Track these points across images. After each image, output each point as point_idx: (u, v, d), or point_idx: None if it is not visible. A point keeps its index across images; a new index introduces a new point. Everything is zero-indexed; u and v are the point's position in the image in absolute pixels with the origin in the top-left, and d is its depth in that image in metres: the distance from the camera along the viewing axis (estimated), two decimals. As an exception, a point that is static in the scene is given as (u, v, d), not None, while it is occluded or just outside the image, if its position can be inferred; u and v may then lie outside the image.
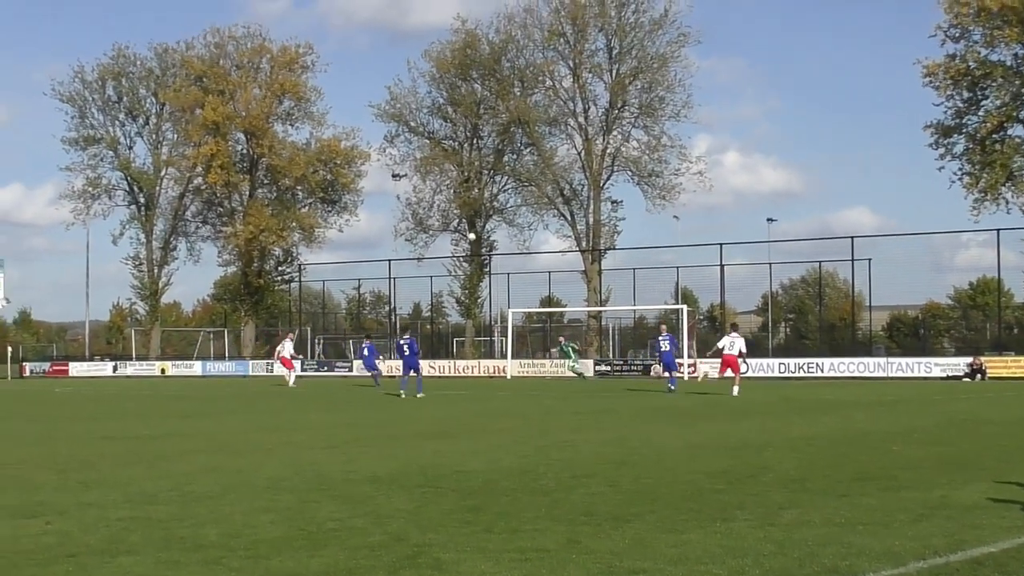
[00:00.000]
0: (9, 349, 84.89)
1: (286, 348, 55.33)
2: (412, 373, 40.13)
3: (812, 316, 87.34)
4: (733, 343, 38.28)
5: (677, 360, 47.77)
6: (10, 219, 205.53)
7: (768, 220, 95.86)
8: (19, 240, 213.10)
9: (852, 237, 65.12)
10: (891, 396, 36.80)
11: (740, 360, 38.34)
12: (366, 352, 54.91)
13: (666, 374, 43.96)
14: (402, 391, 39.21)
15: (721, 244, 68.51)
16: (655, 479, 13.54)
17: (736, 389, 37.15)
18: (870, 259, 64.03)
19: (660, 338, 44.80)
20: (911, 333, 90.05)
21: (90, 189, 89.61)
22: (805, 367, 59.34)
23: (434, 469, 14.88)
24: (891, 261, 64.71)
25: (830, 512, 10.88)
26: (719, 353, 39.32)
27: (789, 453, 16.63)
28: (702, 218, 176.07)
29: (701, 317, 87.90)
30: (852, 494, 12.14)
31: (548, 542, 9.40)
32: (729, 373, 38.38)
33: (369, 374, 53.54)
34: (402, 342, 41.23)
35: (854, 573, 8.17)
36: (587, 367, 64.10)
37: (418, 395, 38.31)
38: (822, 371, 58.35)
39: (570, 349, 64.32)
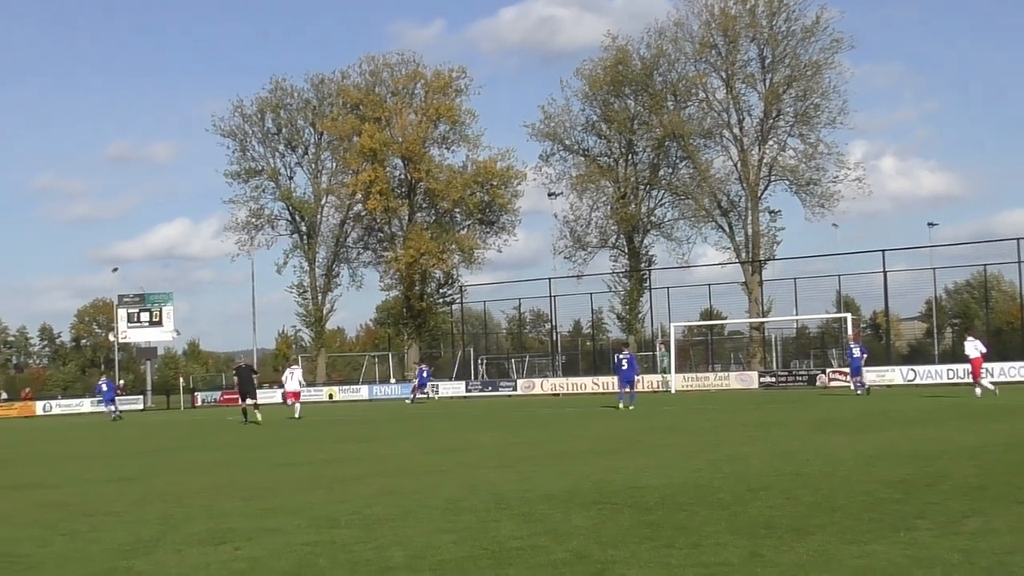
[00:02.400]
0: (181, 380, 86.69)
1: (294, 377, 51.03)
2: (627, 388, 42.76)
3: (978, 320, 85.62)
4: (977, 347, 41.15)
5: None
6: (177, 253, 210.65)
7: (929, 224, 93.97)
8: (186, 273, 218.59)
9: (1018, 239, 63.79)
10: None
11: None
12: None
13: (855, 379, 49.01)
14: (620, 403, 42.08)
15: (883, 250, 67.56)
16: (831, 490, 13.42)
17: (979, 391, 40.19)
18: (1037, 261, 62.64)
19: (851, 346, 49.91)
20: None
21: (253, 220, 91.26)
22: (974, 372, 58.14)
23: (608, 485, 14.91)
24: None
25: (1015, 519, 10.70)
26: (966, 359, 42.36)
27: (966, 460, 16.36)
28: (861, 225, 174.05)
29: (865, 325, 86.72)
30: (1036, 501, 11.94)
31: (730, 556, 9.38)
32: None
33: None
34: (621, 357, 43.98)
35: (1046, 581, 8.07)
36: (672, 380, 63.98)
37: (630, 407, 41.04)
38: (991, 376, 57.01)
39: (665, 358, 64.59)
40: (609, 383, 67.61)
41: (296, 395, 50.37)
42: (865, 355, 51.02)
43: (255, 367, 55.03)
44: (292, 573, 9.57)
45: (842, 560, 9.03)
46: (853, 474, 15.12)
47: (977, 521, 10.70)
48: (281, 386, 54.43)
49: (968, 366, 43.61)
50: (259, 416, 44.64)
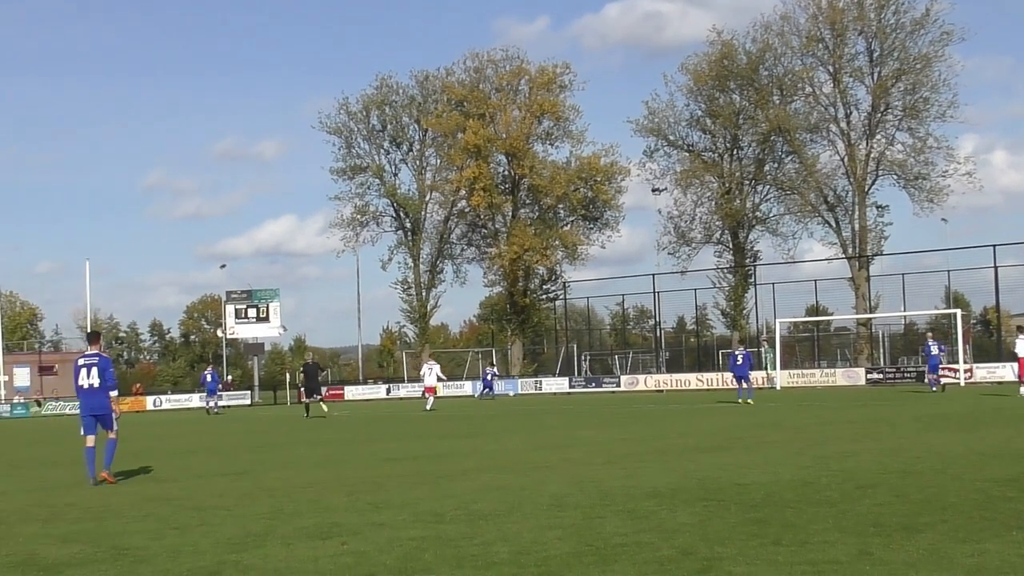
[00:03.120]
0: (287, 376, 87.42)
1: (433, 373, 52.20)
2: (745, 384, 45.46)
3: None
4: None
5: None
6: (284, 250, 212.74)
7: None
8: (292, 270, 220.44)
9: None
10: None
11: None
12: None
13: (931, 376, 50.18)
14: (739, 399, 44.34)
15: (994, 245, 66.58)
16: (941, 488, 13.23)
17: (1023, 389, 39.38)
18: None
19: (929, 343, 51.11)
20: None
21: (358, 217, 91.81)
22: (1089, 369, 57.08)
23: (713, 482, 14.83)
24: None
25: None
26: (1015, 357, 42.55)
27: (1081, 458, 16.09)
28: (971, 219, 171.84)
29: (975, 321, 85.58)
30: None
31: (839, 554, 9.29)
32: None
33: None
34: (737, 353, 47.46)
35: None
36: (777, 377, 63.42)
37: (748, 401, 43.55)
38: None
39: (769, 356, 64.13)
40: (713, 379, 67.31)
41: (432, 390, 51.85)
42: (943, 352, 52.43)
43: (322, 366, 58.38)
44: (398, 568, 9.61)
45: (954, 559, 8.91)
46: (964, 472, 14.91)
47: (1093, 519, 10.52)
48: (419, 380, 57.21)
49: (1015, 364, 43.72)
50: (324, 408, 48.27)
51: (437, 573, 9.27)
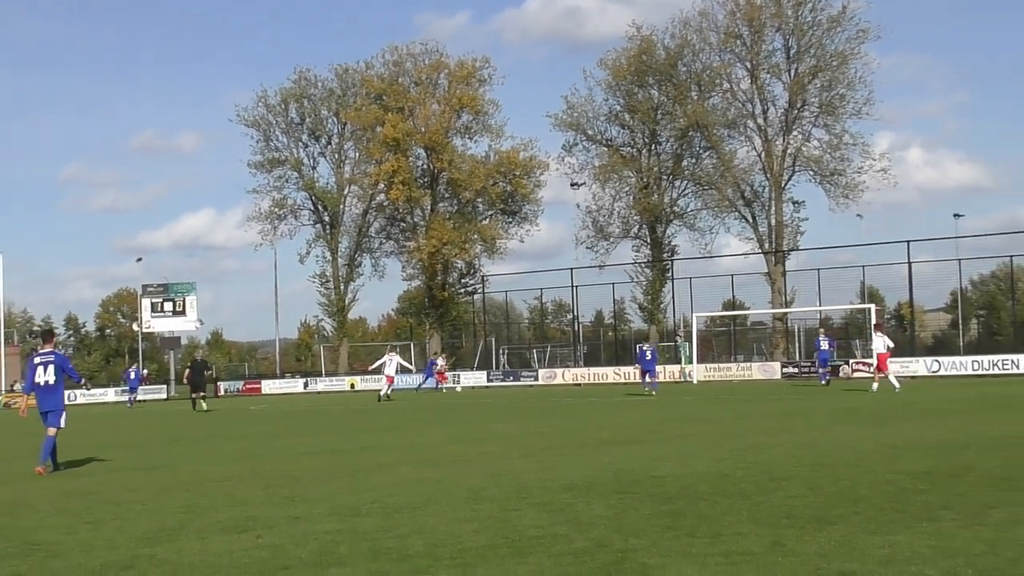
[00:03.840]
0: (174, 372, 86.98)
1: (393, 363, 56.48)
2: (649, 377, 48.44)
3: (1004, 312, 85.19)
4: (884, 341, 42.47)
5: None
6: (202, 243, 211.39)
7: (955, 216, 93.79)
8: (211, 263, 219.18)
9: (1045, 230, 63.43)
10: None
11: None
12: None
13: (821, 370, 52.32)
14: (646, 389, 47.70)
15: (908, 241, 67.27)
16: (854, 480, 13.38)
17: (876, 385, 41.06)
18: (1063, 251, 62.33)
19: (820, 338, 53.47)
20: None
21: (276, 210, 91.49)
22: (1000, 364, 57.95)
23: (628, 475, 14.90)
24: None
25: (1041, 510, 10.67)
26: (872, 354, 43.80)
27: (992, 452, 16.27)
28: (886, 216, 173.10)
29: (889, 316, 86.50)
30: (1062, 492, 11.88)
31: (752, 545, 9.37)
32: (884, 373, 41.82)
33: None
34: (645, 348, 50.50)
35: (1072, 572, 8.02)
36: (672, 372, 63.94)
37: (652, 392, 46.37)
38: (1017, 368, 56.89)
39: (685, 350, 64.65)
40: (631, 373, 67.55)
41: (391, 379, 55.76)
42: (833, 348, 54.37)
43: (209, 364, 63.38)
44: (312, 561, 9.60)
45: (865, 550, 9.02)
46: (877, 465, 15.07)
47: (1002, 512, 10.66)
48: (373, 372, 60.59)
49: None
50: (205, 406, 50.43)
51: (351, 566, 9.26)
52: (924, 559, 8.56)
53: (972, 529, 9.79)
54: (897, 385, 40.61)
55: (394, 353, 58.08)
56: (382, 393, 54.23)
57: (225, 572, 9.33)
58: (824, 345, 52.67)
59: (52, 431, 19.68)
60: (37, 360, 20.05)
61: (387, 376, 56.09)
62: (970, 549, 8.89)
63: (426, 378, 68.69)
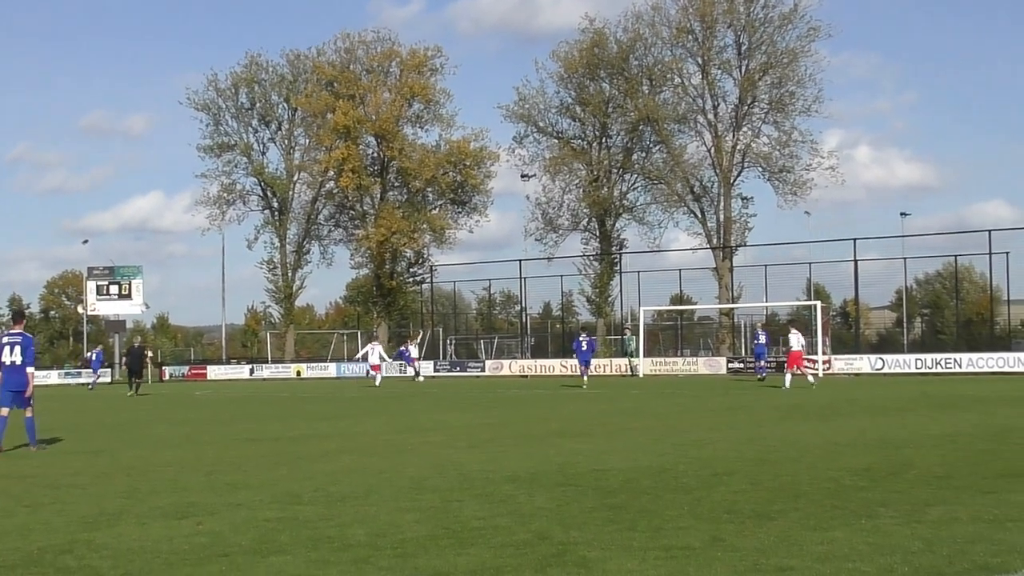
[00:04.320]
0: (148, 353, 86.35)
1: (375, 352, 57.85)
2: (586, 367, 50.37)
3: (948, 311, 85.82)
4: (799, 339, 43.33)
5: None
6: (150, 226, 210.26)
7: (902, 215, 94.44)
8: (159, 247, 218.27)
9: (989, 231, 63.83)
10: (1033, 391, 36.09)
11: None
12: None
13: (761, 363, 53.79)
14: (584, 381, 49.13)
15: (855, 239, 67.50)
16: (796, 476, 13.47)
17: (789, 381, 41.68)
18: (1008, 253, 62.74)
19: (758, 332, 55.41)
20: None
21: (225, 195, 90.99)
22: (943, 363, 58.34)
23: (573, 467, 14.95)
24: (1030, 254, 63.18)
25: (978, 509, 10.75)
26: (788, 351, 43.95)
27: (932, 449, 16.43)
28: (834, 213, 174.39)
29: (835, 313, 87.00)
30: (1000, 491, 11.98)
31: (692, 540, 9.42)
32: (795, 368, 42.81)
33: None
34: (581, 339, 51.58)
35: (1006, 571, 8.08)
36: (642, 365, 64.21)
37: (583, 386, 47.13)
38: (960, 367, 57.31)
39: (632, 344, 64.88)
40: (577, 366, 67.59)
41: (377, 367, 57.02)
42: (769, 343, 56.71)
43: (147, 351, 62.41)
44: (252, 548, 9.58)
45: (803, 546, 9.08)
46: (819, 461, 15.17)
47: (940, 510, 10.77)
48: (359, 360, 61.42)
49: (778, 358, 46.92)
50: (139, 391, 52.47)
51: (292, 554, 9.25)
52: (861, 556, 8.63)
53: (910, 526, 9.88)
54: (787, 385, 41.33)
55: (376, 342, 59.67)
56: (378, 382, 55.63)
57: (164, 558, 9.29)
58: (762, 339, 54.69)
59: (28, 412, 20.30)
60: (6, 340, 20.52)
61: (372, 365, 57.49)
62: (907, 546, 8.96)
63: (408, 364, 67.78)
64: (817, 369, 53.55)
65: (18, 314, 22.95)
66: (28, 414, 20.39)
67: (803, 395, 35.80)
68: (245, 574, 8.59)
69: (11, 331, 21.08)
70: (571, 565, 8.52)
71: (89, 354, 72.82)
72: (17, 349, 20.32)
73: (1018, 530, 9.64)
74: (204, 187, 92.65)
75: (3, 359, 20.28)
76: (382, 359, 58.01)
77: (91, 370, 70.01)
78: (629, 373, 63.38)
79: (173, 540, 10.10)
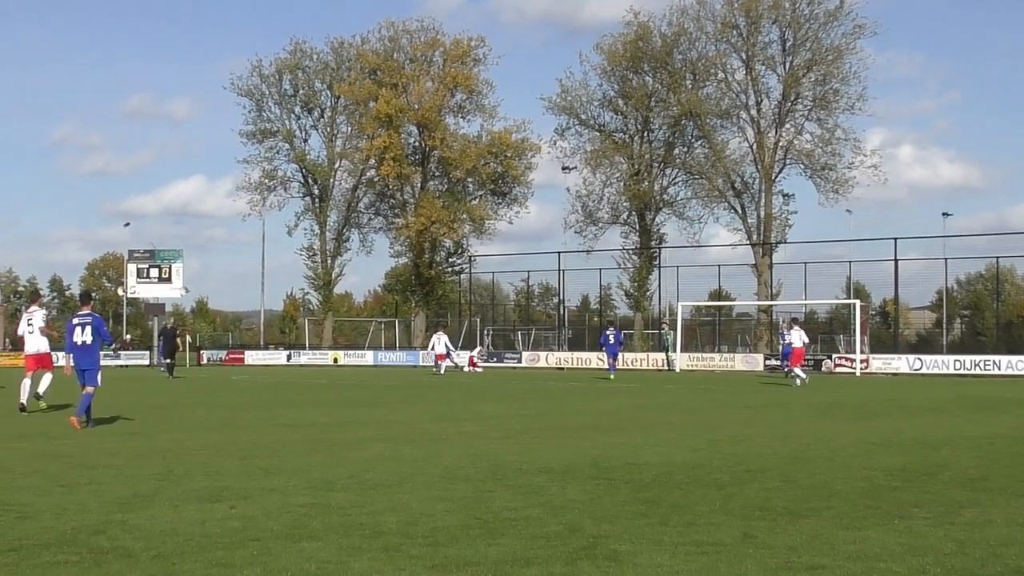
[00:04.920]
0: (187, 337, 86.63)
1: (441, 342, 58.80)
2: (612, 361, 51.72)
3: (989, 313, 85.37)
4: (802, 336, 44.16)
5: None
6: (191, 211, 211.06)
7: (944, 214, 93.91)
8: (199, 231, 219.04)
9: (1031, 232, 63.55)
10: (1072, 395, 35.85)
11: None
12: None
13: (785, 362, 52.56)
14: (611, 375, 49.90)
15: (895, 238, 67.27)
16: (829, 475, 13.43)
17: (799, 380, 41.96)
18: (1050, 255, 62.45)
19: (785, 332, 52.32)
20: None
21: (266, 181, 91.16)
22: (981, 364, 58.06)
23: (606, 461, 14.94)
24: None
25: (1013, 512, 10.70)
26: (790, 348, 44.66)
27: (968, 451, 16.36)
28: (876, 212, 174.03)
29: (874, 312, 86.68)
30: (1035, 494, 11.93)
31: (724, 536, 9.40)
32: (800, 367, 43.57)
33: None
34: (608, 333, 52.49)
35: (1038, 574, 8.05)
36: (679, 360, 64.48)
37: (611, 377, 49.08)
38: (999, 369, 57.03)
39: (670, 339, 64.70)
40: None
41: (442, 356, 58.29)
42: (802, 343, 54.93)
43: (178, 330, 63.97)
44: (284, 533, 9.61)
45: (835, 544, 9.05)
46: (853, 460, 15.13)
47: (974, 512, 10.72)
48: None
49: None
50: (173, 373, 53.41)
51: (323, 540, 9.28)
52: (893, 556, 8.59)
53: (943, 528, 9.83)
54: (798, 382, 41.59)
55: (442, 332, 60.66)
56: (442, 371, 57.20)
57: (197, 541, 9.33)
58: (787, 338, 52.95)
59: (90, 389, 21.43)
60: (76, 321, 21.95)
61: (437, 355, 58.58)
62: (940, 548, 8.93)
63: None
64: (855, 368, 53.38)
65: (86, 295, 24.31)
66: (90, 389, 21.40)
67: (840, 394, 35.70)
68: (276, 559, 8.61)
69: (80, 312, 22.41)
70: (601, 558, 8.51)
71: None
72: (88, 329, 21.71)
73: (1052, 534, 9.59)
74: (246, 172, 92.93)
75: (75, 339, 21.68)
76: (448, 348, 58.96)
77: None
78: (666, 368, 63.25)
79: (206, 523, 10.14)
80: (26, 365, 26.36)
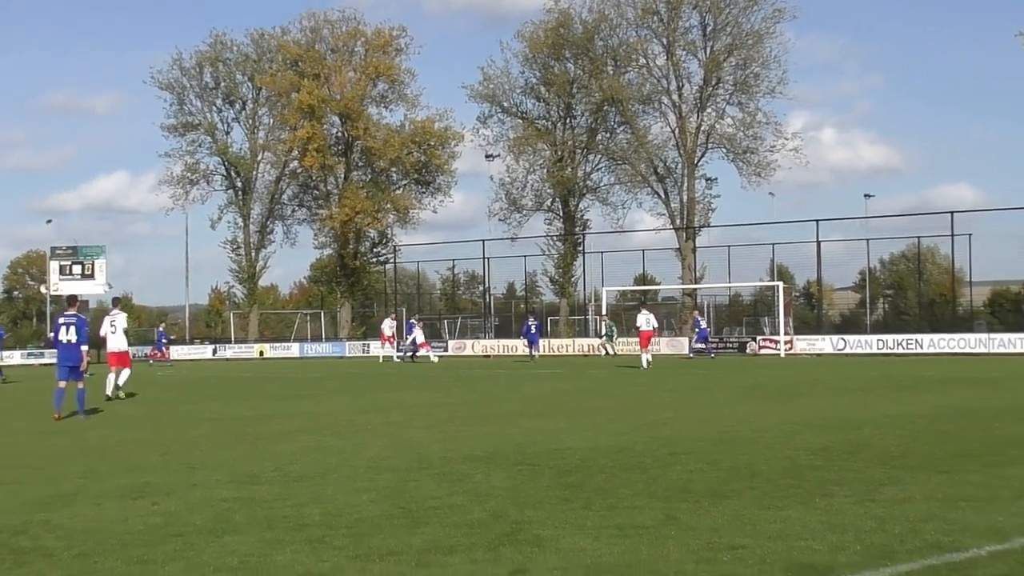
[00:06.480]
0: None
1: (417, 331, 61.76)
2: (533, 348, 57.03)
3: (911, 292, 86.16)
4: (649, 319, 45.40)
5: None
6: (115, 206, 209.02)
7: (865, 196, 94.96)
8: (123, 227, 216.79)
9: (952, 212, 64.21)
10: (994, 372, 36.30)
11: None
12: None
13: (706, 346, 58.60)
14: (531, 359, 54.81)
15: (817, 220, 67.82)
16: (752, 456, 13.54)
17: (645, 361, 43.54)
18: (970, 234, 63.15)
19: (698, 318, 59.53)
20: (1013, 309, 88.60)
21: (189, 175, 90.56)
22: (904, 343, 58.69)
23: (531, 447, 14.98)
24: (992, 236, 63.76)
25: (931, 489, 10.83)
26: (638, 331, 46.30)
27: (889, 430, 16.53)
28: (798, 195, 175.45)
29: (797, 294, 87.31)
30: (954, 471, 12.06)
31: (646, 519, 9.45)
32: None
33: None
34: (530, 323, 58.70)
35: (957, 549, 8.13)
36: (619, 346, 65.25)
37: (535, 358, 54.80)
38: (922, 347, 57.67)
39: (612, 329, 65.21)
40: (540, 345, 67.62)
41: (425, 344, 61.79)
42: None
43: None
44: (207, 528, 9.56)
45: (757, 524, 9.12)
46: (776, 441, 15.25)
47: (894, 489, 10.83)
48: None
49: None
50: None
51: (246, 534, 9.24)
52: (814, 534, 8.67)
53: (864, 505, 9.93)
54: (645, 365, 42.48)
55: (415, 322, 63.76)
56: (433, 357, 59.74)
57: (119, 539, 9.27)
58: (703, 324, 59.25)
59: (80, 384, 23.43)
60: (62, 321, 23.82)
61: (419, 344, 61.26)
62: (860, 525, 9.02)
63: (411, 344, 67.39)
64: (779, 349, 53.85)
65: (72, 297, 25.74)
66: (80, 386, 23.37)
67: (765, 376, 35.96)
68: (198, 554, 8.57)
69: (66, 312, 24.19)
70: (524, 544, 8.53)
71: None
72: (72, 329, 23.44)
73: (970, 509, 9.71)
74: (168, 166, 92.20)
75: (60, 338, 23.54)
76: (425, 337, 61.56)
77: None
78: (603, 354, 63.20)
79: (128, 520, 10.07)
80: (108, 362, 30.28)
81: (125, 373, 30.14)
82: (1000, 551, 8.05)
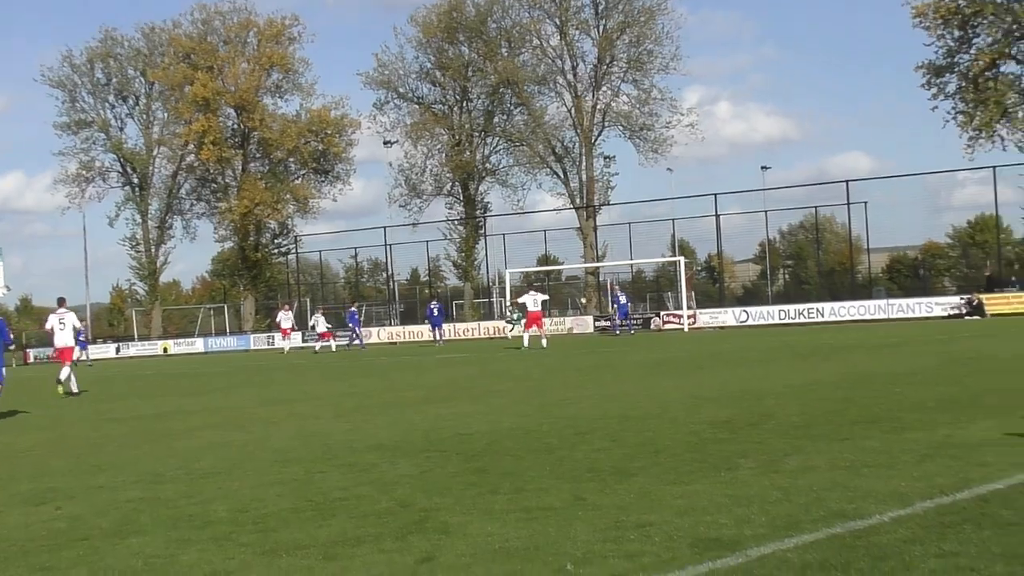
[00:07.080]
0: (12, 336, 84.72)
1: (320, 322, 63.96)
2: (438, 332, 59.79)
3: (811, 262, 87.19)
4: (536, 300, 44.87)
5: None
6: (10, 207, 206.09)
7: (762, 168, 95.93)
8: (20, 227, 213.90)
9: (847, 181, 65.06)
10: (893, 338, 36.80)
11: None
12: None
13: (626, 322, 59.94)
14: (436, 343, 56.79)
15: (716, 194, 68.52)
16: (657, 432, 13.59)
17: (544, 341, 44.43)
18: (866, 202, 64.06)
19: (618, 294, 60.52)
20: (911, 274, 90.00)
21: (84, 173, 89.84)
22: (806, 313, 59.39)
23: (437, 433, 14.95)
24: (888, 204, 64.66)
25: (834, 456, 10.92)
26: (525, 311, 46.02)
27: (791, 399, 16.67)
28: (696, 170, 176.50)
29: (699, 268, 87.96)
30: (856, 437, 12.17)
31: (553, 500, 9.45)
32: (534, 330, 44.92)
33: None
34: (433, 307, 60.15)
35: (861, 516, 8.19)
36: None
37: (441, 344, 56.73)
38: (823, 316, 58.40)
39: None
40: (446, 330, 67.65)
41: (327, 335, 64.04)
42: (629, 301, 61.66)
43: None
44: (112, 531, 9.44)
45: (663, 500, 9.14)
46: (680, 415, 15.31)
47: (798, 459, 10.89)
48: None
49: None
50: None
51: (151, 535, 9.13)
52: (720, 508, 8.71)
53: (768, 476, 9.99)
54: (527, 344, 43.39)
55: (319, 313, 66.70)
56: (333, 348, 62.26)
57: (20, 545, 9.12)
58: (622, 300, 59.37)
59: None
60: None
61: (321, 333, 63.59)
62: (765, 496, 9.06)
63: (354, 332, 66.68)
64: (683, 324, 54.21)
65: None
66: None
67: (669, 351, 36.18)
68: (103, 557, 8.45)
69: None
70: (432, 532, 8.51)
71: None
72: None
73: (873, 475, 9.79)
74: (63, 165, 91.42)
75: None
76: (328, 329, 63.28)
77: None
78: (501, 335, 63.41)
79: (30, 527, 9.91)
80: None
81: (66, 370, 31.81)
82: (903, 516, 8.12)
